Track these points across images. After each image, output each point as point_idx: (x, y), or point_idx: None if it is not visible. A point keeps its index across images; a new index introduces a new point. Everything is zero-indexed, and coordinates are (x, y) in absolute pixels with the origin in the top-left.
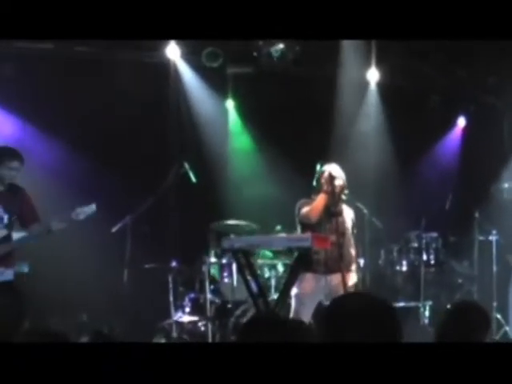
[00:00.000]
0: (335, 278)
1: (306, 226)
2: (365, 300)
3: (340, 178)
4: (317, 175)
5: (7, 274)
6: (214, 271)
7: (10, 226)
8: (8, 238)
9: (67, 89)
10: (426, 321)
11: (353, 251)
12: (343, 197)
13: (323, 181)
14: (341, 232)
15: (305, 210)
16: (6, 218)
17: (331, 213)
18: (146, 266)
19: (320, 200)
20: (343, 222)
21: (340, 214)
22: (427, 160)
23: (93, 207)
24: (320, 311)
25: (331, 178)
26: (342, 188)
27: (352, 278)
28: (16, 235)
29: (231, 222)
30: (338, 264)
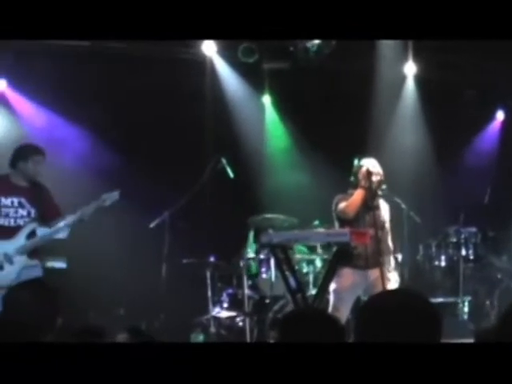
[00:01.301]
0: (374, 273)
1: (344, 221)
2: (403, 296)
3: (378, 173)
4: (354, 170)
5: (37, 270)
6: (251, 266)
7: (37, 220)
8: (35, 231)
9: (103, 85)
10: (465, 316)
11: (391, 245)
12: (380, 192)
13: (361, 176)
14: (379, 226)
15: (342, 205)
16: (33, 212)
17: (368, 207)
18: (184, 260)
19: (357, 196)
20: (380, 216)
21: (377, 208)
22: (466, 154)
23: (116, 194)
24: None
25: (369, 173)
26: (380, 183)
27: (393, 277)
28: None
29: (269, 216)
30: (377, 259)
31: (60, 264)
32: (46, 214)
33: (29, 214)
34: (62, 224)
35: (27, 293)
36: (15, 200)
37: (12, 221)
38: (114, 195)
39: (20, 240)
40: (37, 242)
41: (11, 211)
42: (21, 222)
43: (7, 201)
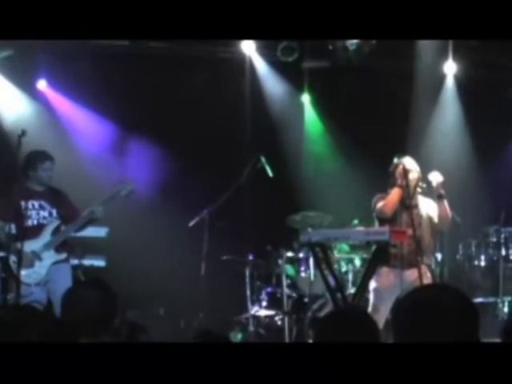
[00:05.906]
0: (412, 273)
1: (382, 220)
2: (441, 292)
3: (414, 170)
4: (391, 169)
5: (66, 265)
6: (290, 265)
7: (60, 218)
8: (60, 227)
9: (142, 84)
10: (505, 317)
11: (431, 243)
12: (418, 189)
13: (397, 175)
14: (417, 225)
15: (379, 204)
16: (54, 211)
17: (406, 206)
18: (224, 258)
19: (394, 194)
20: (419, 215)
21: (415, 206)
22: (506, 152)
23: (129, 185)
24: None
25: (405, 171)
26: (417, 181)
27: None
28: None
29: (308, 213)
30: (414, 258)
31: (99, 262)
32: (66, 217)
33: (50, 214)
34: (79, 220)
35: (92, 292)
36: (35, 203)
37: (35, 221)
38: (128, 186)
39: (46, 237)
40: (62, 236)
41: (33, 213)
42: (44, 222)
43: (28, 204)
